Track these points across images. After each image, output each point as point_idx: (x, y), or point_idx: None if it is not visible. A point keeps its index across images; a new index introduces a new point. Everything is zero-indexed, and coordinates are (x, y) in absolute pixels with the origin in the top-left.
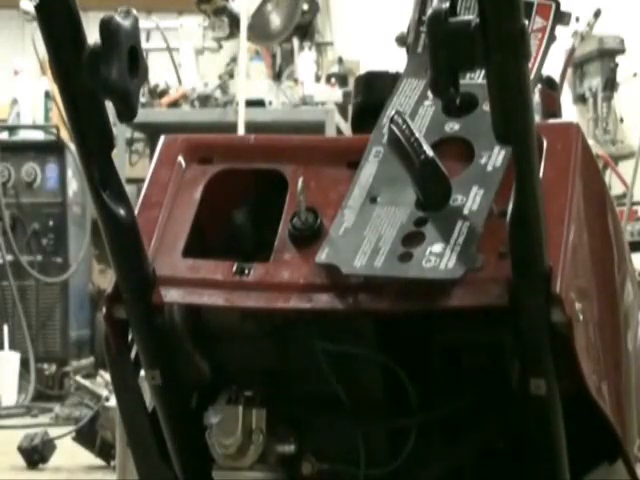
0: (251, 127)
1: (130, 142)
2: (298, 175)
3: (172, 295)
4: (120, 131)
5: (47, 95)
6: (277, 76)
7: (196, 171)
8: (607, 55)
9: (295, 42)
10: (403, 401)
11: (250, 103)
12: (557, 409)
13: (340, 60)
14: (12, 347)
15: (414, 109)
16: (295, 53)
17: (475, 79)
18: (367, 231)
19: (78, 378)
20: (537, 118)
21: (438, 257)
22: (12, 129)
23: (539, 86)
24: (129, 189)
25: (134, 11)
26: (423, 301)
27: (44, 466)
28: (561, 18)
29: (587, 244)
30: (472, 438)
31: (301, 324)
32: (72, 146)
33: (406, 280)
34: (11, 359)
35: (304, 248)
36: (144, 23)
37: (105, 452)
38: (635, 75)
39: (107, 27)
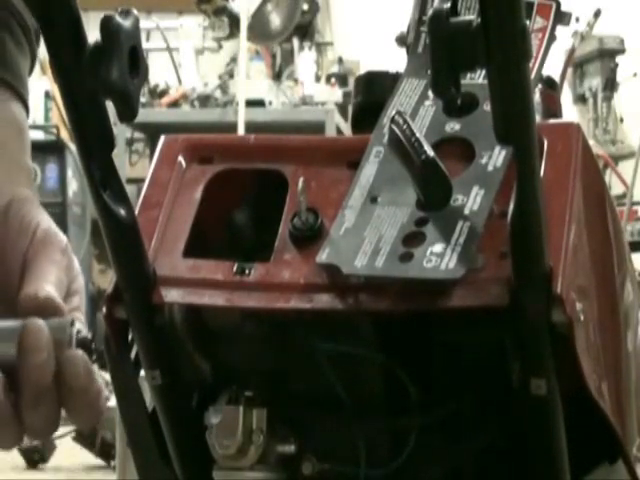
0: (251, 127)
1: (130, 142)
2: (298, 175)
3: (172, 295)
4: (120, 131)
5: (47, 95)
6: (277, 76)
7: (196, 171)
8: (607, 55)
9: (295, 42)
10: (403, 401)
11: (250, 103)
12: (558, 409)
13: (340, 60)
14: None
15: (414, 109)
16: (295, 53)
17: (476, 79)
18: (368, 231)
19: None
20: (537, 118)
21: (439, 257)
22: None
23: (539, 86)
24: (129, 189)
25: (134, 11)
26: (424, 301)
27: (44, 466)
28: (561, 18)
29: (587, 244)
30: (473, 438)
31: (301, 324)
32: (72, 146)
33: (407, 280)
34: None
35: (304, 248)
36: (144, 23)
37: (105, 452)
38: (635, 75)
39: (107, 27)
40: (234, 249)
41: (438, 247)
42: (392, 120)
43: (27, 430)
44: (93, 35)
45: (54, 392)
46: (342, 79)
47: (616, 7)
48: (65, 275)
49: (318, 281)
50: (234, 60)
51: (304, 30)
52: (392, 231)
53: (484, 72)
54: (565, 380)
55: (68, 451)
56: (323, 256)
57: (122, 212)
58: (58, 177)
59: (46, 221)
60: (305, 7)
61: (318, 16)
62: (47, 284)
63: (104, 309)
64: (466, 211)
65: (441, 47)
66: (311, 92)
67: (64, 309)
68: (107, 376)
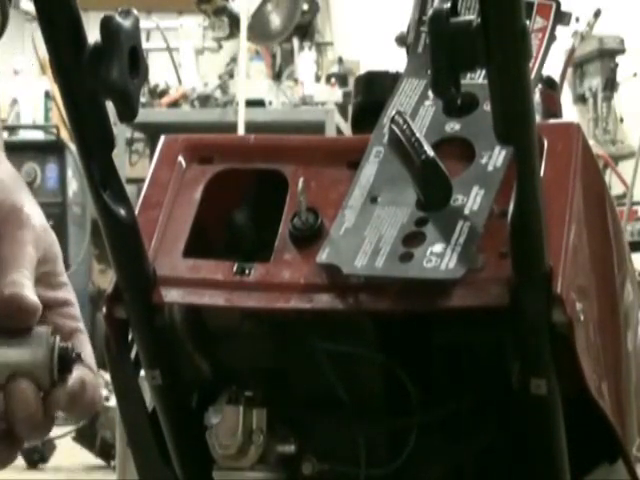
0: (251, 127)
1: (130, 142)
2: (298, 175)
3: (172, 295)
4: (120, 131)
5: (47, 95)
6: (277, 76)
7: (196, 171)
8: (607, 55)
9: (295, 42)
10: (403, 401)
11: (250, 103)
12: (558, 409)
13: (340, 60)
14: None
15: (415, 109)
16: (295, 53)
17: (476, 79)
18: (368, 231)
19: None
20: (537, 118)
21: (439, 257)
22: (12, 129)
23: (539, 86)
24: (129, 189)
25: (134, 11)
26: (423, 301)
27: (44, 466)
28: (561, 18)
29: (587, 244)
30: (473, 438)
31: (301, 324)
32: (72, 146)
33: (407, 280)
34: None
35: (305, 248)
36: (144, 23)
37: (105, 452)
38: (635, 75)
39: (107, 27)
40: (234, 249)
41: (438, 247)
42: (392, 120)
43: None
44: (93, 35)
45: (46, 418)
46: (342, 79)
47: (616, 7)
48: (34, 248)
49: (318, 281)
50: (234, 60)
51: (304, 30)
52: (392, 231)
53: (484, 72)
54: (565, 380)
55: (68, 451)
56: (323, 256)
57: (122, 212)
58: (58, 177)
59: (9, 198)
60: (305, 7)
61: (318, 16)
62: (16, 273)
63: (104, 309)
64: (466, 211)
65: (441, 47)
66: (311, 92)
67: (35, 305)
68: (107, 376)
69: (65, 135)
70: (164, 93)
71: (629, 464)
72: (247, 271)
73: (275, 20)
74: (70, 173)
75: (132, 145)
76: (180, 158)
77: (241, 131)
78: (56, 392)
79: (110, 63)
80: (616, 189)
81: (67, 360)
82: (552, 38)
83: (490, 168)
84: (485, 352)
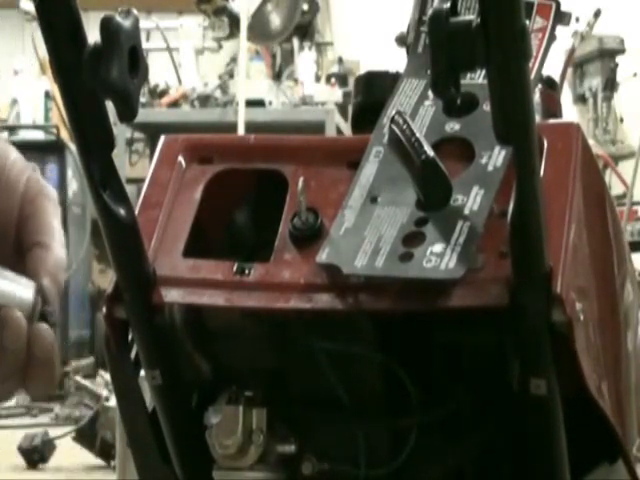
0: (251, 127)
1: (130, 142)
2: (298, 175)
3: (172, 295)
4: (120, 131)
5: (47, 95)
6: (277, 76)
7: (196, 171)
8: (607, 55)
9: (295, 42)
10: (403, 401)
11: (250, 103)
12: (557, 409)
13: (340, 60)
14: None
15: (414, 109)
16: (295, 53)
17: (475, 79)
18: (368, 231)
19: (78, 378)
20: (537, 118)
21: (439, 257)
22: (12, 129)
23: (539, 86)
24: (129, 189)
25: (134, 11)
26: (423, 301)
27: (44, 466)
28: (561, 18)
29: (587, 244)
30: (473, 438)
31: (301, 324)
32: (72, 146)
33: (407, 280)
34: None
35: (304, 248)
36: (144, 23)
37: (105, 452)
38: (635, 75)
39: (107, 27)
40: (234, 249)
41: (438, 247)
42: (392, 120)
43: None
44: (93, 35)
45: (21, 370)
46: (342, 79)
47: (616, 7)
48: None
49: (318, 281)
50: (234, 60)
51: (304, 30)
52: (392, 231)
53: (484, 72)
54: (565, 380)
55: (68, 451)
56: (323, 256)
57: (122, 212)
58: (58, 177)
59: (34, 174)
60: (305, 7)
61: (318, 16)
62: (57, 246)
63: (104, 309)
64: (466, 211)
65: (441, 47)
66: (311, 92)
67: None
68: (107, 376)
69: (65, 135)
70: (164, 93)
71: (629, 464)
72: (247, 271)
73: (275, 20)
74: (70, 173)
75: (132, 145)
76: (180, 158)
77: (241, 131)
78: (35, 333)
79: (110, 63)
80: (616, 189)
81: (45, 319)
82: (552, 38)
83: (490, 168)
84: (485, 352)
